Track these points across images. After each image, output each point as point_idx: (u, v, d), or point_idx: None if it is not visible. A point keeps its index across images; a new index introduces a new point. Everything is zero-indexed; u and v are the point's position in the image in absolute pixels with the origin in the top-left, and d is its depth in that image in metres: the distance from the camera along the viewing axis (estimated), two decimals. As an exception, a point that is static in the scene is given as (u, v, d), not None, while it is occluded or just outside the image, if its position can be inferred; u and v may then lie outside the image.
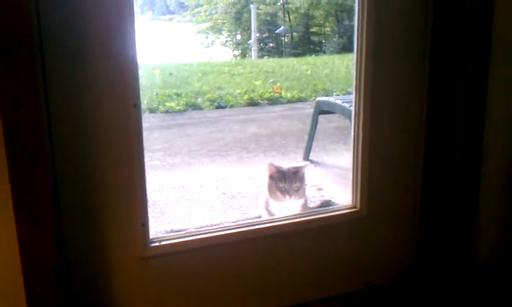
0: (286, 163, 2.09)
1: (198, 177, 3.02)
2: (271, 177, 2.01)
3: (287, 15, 11.03)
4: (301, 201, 2.00)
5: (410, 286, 1.64)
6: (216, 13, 11.48)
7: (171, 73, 6.55)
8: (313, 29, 11.39)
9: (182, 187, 2.81)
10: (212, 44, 11.42)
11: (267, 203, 2.05)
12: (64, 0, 1.16)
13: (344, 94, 5.32)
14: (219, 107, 5.12)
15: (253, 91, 5.57)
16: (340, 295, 1.59)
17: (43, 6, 1.14)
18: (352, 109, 1.54)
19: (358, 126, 1.52)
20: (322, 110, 3.19)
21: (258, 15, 10.46)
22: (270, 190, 2.01)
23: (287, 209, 1.94)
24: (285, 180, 1.97)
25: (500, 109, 1.59)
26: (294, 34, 11.29)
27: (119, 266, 1.33)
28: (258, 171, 3.01)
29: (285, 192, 1.97)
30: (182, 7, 12.34)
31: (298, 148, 3.58)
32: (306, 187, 2.07)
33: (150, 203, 1.51)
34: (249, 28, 10.44)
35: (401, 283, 1.65)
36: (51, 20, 1.15)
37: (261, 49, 10.77)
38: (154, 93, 5.36)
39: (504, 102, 1.60)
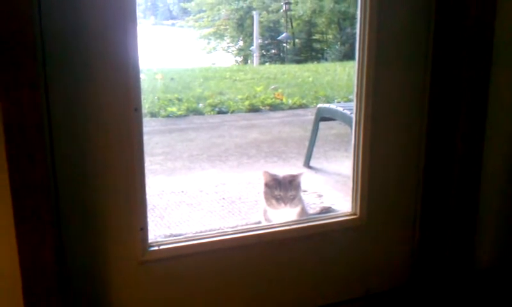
0: (282, 171, 2.09)
1: (198, 182, 3.02)
2: (266, 185, 2.01)
3: (289, 22, 11.06)
4: (297, 209, 1.99)
5: (410, 294, 1.64)
6: (219, 19, 11.52)
7: (172, 78, 6.56)
8: (316, 36, 11.42)
9: (182, 191, 2.80)
10: (214, 50, 11.45)
11: (265, 210, 2.05)
12: (67, 4, 1.17)
13: (345, 101, 5.33)
14: (220, 112, 5.13)
15: (255, 97, 5.58)
16: (340, 302, 1.58)
17: (45, 10, 1.14)
18: (353, 116, 1.54)
19: (359, 134, 1.52)
20: (323, 117, 3.19)
21: (260, 21, 10.50)
22: (266, 198, 2.01)
23: (283, 217, 1.94)
24: (280, 188, 1.97)
25: (501, 113, 1.59)
26: (296, 41, 11.32)
27: (118, 270, 1.33)
28: (258, 176, 2.99)
29: (280, 200, 1.96)
30: (185, 12, 12.36)
31: (299, 155, 3.57)
32: (305, 193, 2.06)
33: (149, 207, 1.51)
34: (252, 34, 10.47)
35: (401, 290, 1.64)
36: (53, 24, 1.16)
37: (263, 55, 10.79)
38: (156, 98, 5.37)
39: (505, 107, 1.60)
